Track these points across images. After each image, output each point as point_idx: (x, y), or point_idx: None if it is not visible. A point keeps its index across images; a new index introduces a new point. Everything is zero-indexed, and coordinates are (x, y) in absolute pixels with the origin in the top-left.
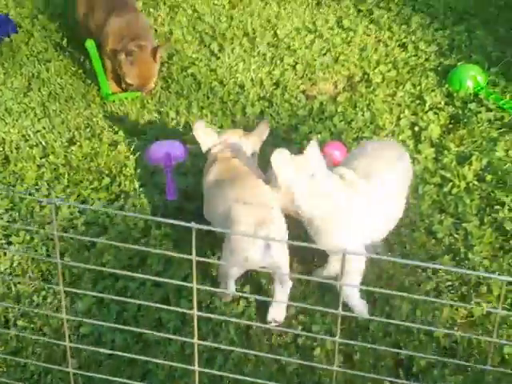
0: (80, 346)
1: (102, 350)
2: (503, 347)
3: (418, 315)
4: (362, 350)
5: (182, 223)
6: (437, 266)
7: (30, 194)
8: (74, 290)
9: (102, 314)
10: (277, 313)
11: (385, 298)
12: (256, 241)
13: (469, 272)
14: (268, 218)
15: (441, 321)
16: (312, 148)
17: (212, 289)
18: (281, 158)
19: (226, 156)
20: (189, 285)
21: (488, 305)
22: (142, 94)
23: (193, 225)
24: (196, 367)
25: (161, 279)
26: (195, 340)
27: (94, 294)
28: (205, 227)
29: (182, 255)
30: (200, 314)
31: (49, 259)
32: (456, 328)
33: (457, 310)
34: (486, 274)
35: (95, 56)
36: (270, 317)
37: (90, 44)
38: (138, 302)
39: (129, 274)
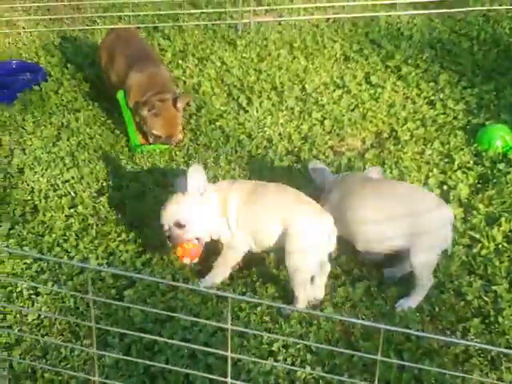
0: None
1: None
2: None
3: (447, 378)
4: None
5: (218, 293)
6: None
7: (58, 245)
8: (106, 354)
9: (129, 369)
10: (318, 292)
11: (414, 361)
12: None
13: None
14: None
15: None
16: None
17: (247, 357)
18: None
19: None
20: (224, 353)
21: None
22: (171, 146)
23: (228, 294)
24: None
25: (195, 346)
26: None
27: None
28: (241, 297)
29: (217, 324)
30: (235, 382)
31: (84, 323)
32: None
33: (487, 374)
34: None
35: (125, 107)
36: (312, 296)
37: (120, 95)
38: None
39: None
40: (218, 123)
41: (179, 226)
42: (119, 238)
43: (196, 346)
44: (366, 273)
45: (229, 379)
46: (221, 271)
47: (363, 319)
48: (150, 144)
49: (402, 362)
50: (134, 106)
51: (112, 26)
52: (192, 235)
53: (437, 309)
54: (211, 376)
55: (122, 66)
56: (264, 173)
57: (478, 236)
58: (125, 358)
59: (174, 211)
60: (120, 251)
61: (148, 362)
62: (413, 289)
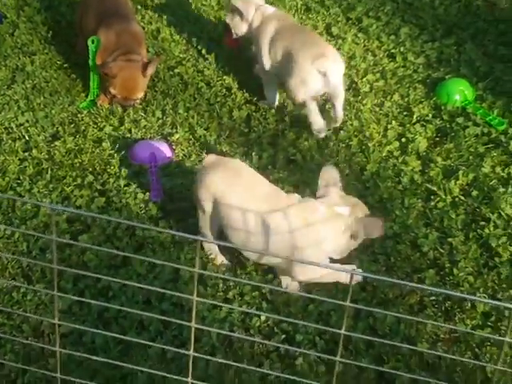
0: (71, 352)
1: (95, 358)
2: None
3: (401, 328)
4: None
5: (186, 235)
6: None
7: (11, 188)
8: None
9: (82, 314)
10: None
11: (368, 310)
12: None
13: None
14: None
15: (424, 336)
16: None
17: (211, 302)
18: None
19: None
20: (189, 297)
21: (472, 322)
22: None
23: (198, 238)
24: (189, 379)
25: (167, 291)
26: (191, 352)
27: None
28: (209, 241)
29: (184, 267)
30: (198, 326)
31: (48, 265)
32: (439, 344)
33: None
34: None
35: (94, 57)
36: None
37: (91, 42)
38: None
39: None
40: (176, 70)
41: None
42: (74, 183)
43: (153, 288)
44: None
45: (193, 323)
46: None
47: None
48: (109, 103)
49: (370, 309)
50: (100, 65)
51: None
52: None
53: (392, 259)
54: (168, 319)
55: (91, 19)
56: (223, 121)
57: (435, 188)
58: (81, 299)
59: None
60: (75, 196)
61: (103, 304)
62: None
